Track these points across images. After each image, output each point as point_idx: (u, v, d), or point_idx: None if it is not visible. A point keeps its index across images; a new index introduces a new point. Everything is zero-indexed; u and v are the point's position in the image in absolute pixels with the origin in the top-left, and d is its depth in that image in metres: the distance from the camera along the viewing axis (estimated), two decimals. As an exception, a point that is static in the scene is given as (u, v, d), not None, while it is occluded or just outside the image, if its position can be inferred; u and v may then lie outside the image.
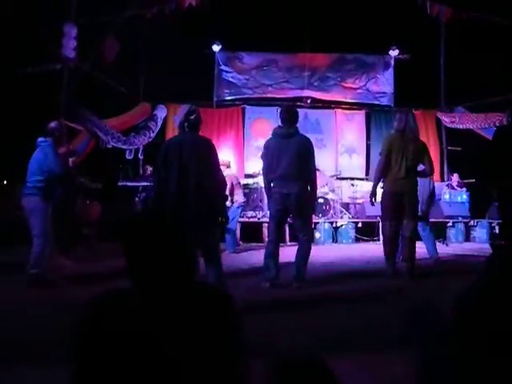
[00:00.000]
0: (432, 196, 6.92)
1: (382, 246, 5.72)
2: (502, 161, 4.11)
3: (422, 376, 1.14)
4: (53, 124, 5.21)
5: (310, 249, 5.18)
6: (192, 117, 4.00)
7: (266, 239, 9.05)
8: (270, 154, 5.15)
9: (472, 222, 10.01)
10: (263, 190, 9.44)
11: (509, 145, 4.18)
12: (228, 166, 8.47)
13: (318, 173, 9.90)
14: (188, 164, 3.86)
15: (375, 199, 5.70)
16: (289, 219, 5.54)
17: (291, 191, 4.95)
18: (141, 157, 10.97)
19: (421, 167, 5.64)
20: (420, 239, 7.01)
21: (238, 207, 8.31)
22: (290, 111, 5.23)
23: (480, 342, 1.00)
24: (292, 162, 4.97)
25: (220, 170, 4.12)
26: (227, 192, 8.11)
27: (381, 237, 5.85)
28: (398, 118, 5.67)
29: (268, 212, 8.79)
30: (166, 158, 3.91)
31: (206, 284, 1.69)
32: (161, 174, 3.95)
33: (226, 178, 8.15)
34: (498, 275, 1.12)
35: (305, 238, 5.15)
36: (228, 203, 8.13)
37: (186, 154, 3.87)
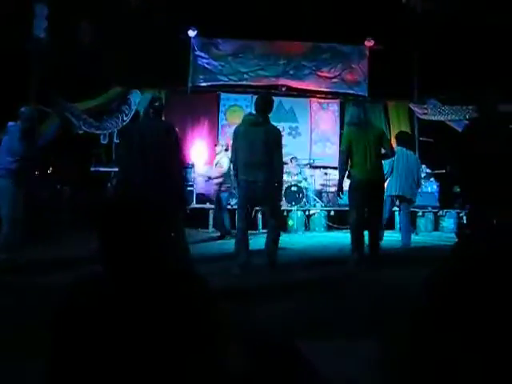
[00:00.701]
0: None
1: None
2: (469, 153, 4.24)
3: (388, 360, 1.18)
4: (23, 109, 5.17)
5: (279, 235, 5.24)
6: (157, 103, 4.04)
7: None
8: (238, 142, 5.16)
9: (441, 212, 10.23)
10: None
11: (475, 137, 4.32)
12: (226, 149, 8.41)
13: (292, 161, 10.05)
14: (150, 149, 3.86)
15: (342, 193, 5.78)
16: (259, 207, 5.58)
17: (257, 179, 4.97)
18: (116, 141, 10.81)
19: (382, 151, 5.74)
20: (393, 227, 7.18)
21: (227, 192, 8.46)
22: (265, 99, 5.23)
23: (447, 322, 1.04)
24: (259, 150, 4.97)
25: (182, 153, 4.15)
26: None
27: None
28: (351, 111, 5.79)
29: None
30: (129, 145, 3.92)
31: (179, 268, 1.70)
32: (124, 160, 3.96)
33: (222, 161, 8.18)
34: (461, 261, 1.16)
35: (274, 225, 5.20)
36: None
37: (147, 140, 3.88)
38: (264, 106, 5.14)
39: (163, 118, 4.47)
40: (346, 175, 5.72)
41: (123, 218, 1.38)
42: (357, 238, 5.57)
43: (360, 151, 5.48)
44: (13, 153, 4.90)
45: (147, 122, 4.01)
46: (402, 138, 7.13)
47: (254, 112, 5.21)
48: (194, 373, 1.30)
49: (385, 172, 6.51)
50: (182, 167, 4.04)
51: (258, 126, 5.05)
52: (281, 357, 1.66)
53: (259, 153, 4.98)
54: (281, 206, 5.54)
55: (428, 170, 10.64)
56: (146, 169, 3.83)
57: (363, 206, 5.55)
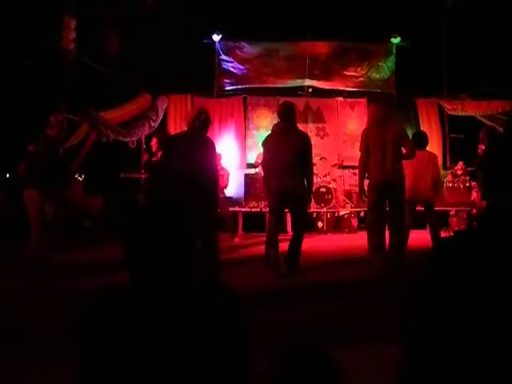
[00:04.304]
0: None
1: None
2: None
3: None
4: (52, 118, 5.27)
5: (302, 239, 5.32)
6: (203, 116, 4.19)
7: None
8: (268, 150, 5.29)
9: (474, 211, 9.96)
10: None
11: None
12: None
13: (322, 161, 9.99)
14: (186, 160, 3.94)
15: (365, 195, 5.69)
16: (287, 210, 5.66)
17: (288, 185, 5.06)
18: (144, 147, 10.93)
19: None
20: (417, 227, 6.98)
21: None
22: (286, 107, 5.36)
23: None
24: (289, 156, 5.07)
25: (216, 167, 4.23)
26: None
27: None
28: (370, 109, 5.67)
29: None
30: (168, 153, 4.03)
31: (209, 281, 1.69)
32: (164, 167, 4.08)
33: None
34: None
35: (301, 230, 5.35)
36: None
37: (184, 151, 3.97)
38: (287, 113, 5.27)
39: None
40: (366, 176, 5.66)
41: (150, 226, 1.37)
42: (373, 239, 5.44)
43: (378, 152, 5.36)
44: (38, 163, 5.00)
45: (187, 134, 4.16)
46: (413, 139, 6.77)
47: (279, 120, 5.34)
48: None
49: None
50: (215, 179, 4.13)
51: (287, 133, 5.17)
52: (312, 364, 1.62)
53: (290, 160, 5.08)
54: (307, 210, 5.58)
55: (462, 167, 10.38)
56: (181, 178, 3.93)
57: (381, 206, 5.44)
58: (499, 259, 1.00)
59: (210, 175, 4.06)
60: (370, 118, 5.62)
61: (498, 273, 0.99)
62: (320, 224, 9.48)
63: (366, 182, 5.79)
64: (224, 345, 1.29)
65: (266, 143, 5.37)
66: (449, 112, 11.50)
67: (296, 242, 5.26)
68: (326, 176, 10.02)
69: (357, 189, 10.47)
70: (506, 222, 1.05)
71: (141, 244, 1.34)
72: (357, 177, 10.54)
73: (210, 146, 4.20)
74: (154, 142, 8.21)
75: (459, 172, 10.35)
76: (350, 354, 2.63)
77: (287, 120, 5.24)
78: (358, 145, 11.37)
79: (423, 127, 11.15)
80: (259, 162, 9.70)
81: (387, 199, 5.45)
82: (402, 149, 5.55)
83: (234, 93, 11.74)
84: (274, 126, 5.44)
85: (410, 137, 6.76)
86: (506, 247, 1.01)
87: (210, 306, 1.32)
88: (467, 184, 10.09)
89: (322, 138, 11.54)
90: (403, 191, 5.60)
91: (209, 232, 3.96)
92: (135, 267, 1.35)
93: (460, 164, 10.53)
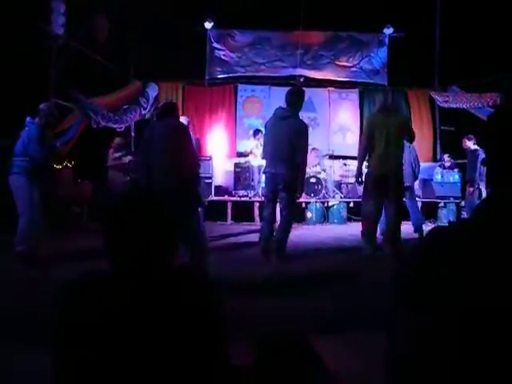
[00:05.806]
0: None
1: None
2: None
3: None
4: (43, 105, 5.18)
5: (290, 226, 5.31)
6: (164, 102, 4.02)
7: (257, 218, 9.11)
8: (266, 134, 5.34)
9: (463, 203, 10.02)
10: (254, 168, 9.50)
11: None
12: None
13: (313, 152, 9.97)
14: (158, 148, 3.85)
15: (361, 179, 5.69)
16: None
17: (279, 172, 5.05)
18: (133, 134, 10.86)
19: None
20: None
21: None
22: (291, 92, 5.30)
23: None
24: (282, 143, 5.04)
25: (192, 151, 4.09)
26: None
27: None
28: (380, 98, 5.69)
29: (259, 191, 8.88)
30: (143, 143, 3.97)
31: (188, 268, 1.67)
32: (143, 158, 4.02)
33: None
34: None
35: (288, 217, 5.26)
36: None
37: (156, 139, 3.88)
38: (292, 100, 5.22)
39: (181, 113, 4.43)
40: (365, 165, 5.65)
41: (131, 214, 1.36)
42: (368, 229, 5.45)
43: (381, 139, 5.35)
44: (27, 151, 4.92)
45: (159, 122, 4.02)
46: None
47: (283, 105, 5.29)
48: (200, 373, 1.28)
49: None
50: (193, 163, 3.97)
51: (284, 119, 5.13)
52: (294, 354, 1.63)
53: (283, 146, 5.05)
54: (298, 198, 5.51)
55: (451, 160, 10.42)
56: (154, 166, 3.83)
57: (379, 195, 5.44)
58: (497, 250, 0.99)
59: (185, 160, 3.89)
60: (379, 105, 5.63)
61: (494, 263, 0.98)
62: (309, 214, 9.48)
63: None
64: (201, 333, 1.28)
65: (265, 127, 5.49)
66: (440, 104, 11.49)
67: (285, 226, 5.22)
68: (315, 166, 10.01)
69: (347, 179, 10.59)
70: (506, 211, 1.04)
71: (121, 232, 1.32)
72: (347, 167, 10.70)
73: (174, 130, 4.00)
74: None
75: (447, 164, 10.40)
76: (336, 343, 2.65)
77: (288, 105, 5.21)
78: (350, 135, 11.59)
79: (414, 119, 11.16)
80: (248, 151, 9.72)
81: (386, 188, 5.44)
82: None
83: (226, 81, 11.66)
84: (276, 109, 5.41)
85: None
86: (505, 238, 1.00)
87: (188, 294, 1.31)
88: (456, 176, 10.13)
89: (313, 128, 11.50)
90: (401, 179, 5.62)
91: (189, 218, 3.84)
92: (114, 255, 1.34)
93: (445, 156, 10.58)
